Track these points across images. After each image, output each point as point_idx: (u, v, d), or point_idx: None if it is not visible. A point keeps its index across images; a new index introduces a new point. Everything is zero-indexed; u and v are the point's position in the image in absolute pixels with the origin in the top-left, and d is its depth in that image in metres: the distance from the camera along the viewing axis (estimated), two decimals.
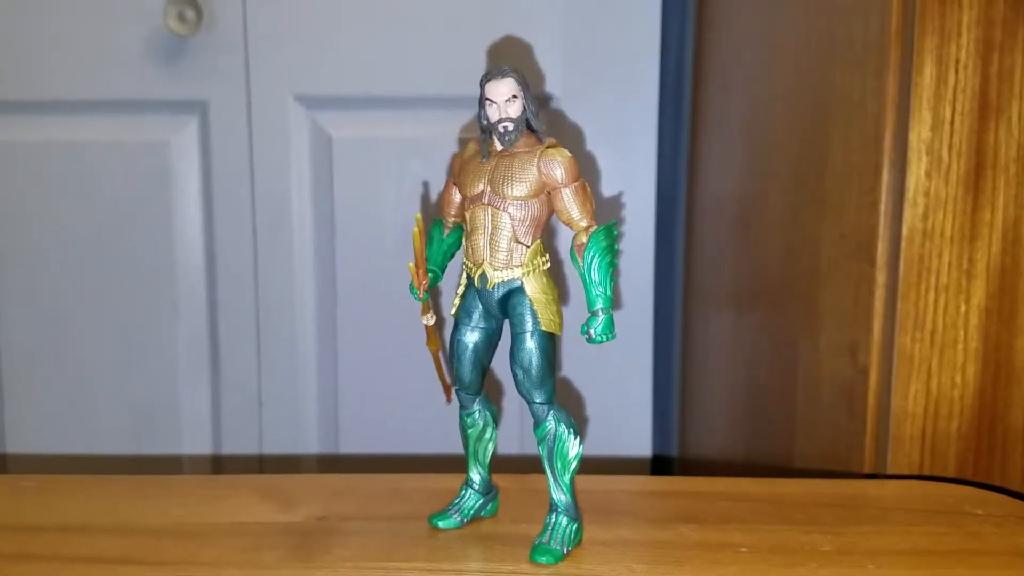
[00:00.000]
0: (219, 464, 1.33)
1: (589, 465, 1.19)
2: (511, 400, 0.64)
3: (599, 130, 1.26)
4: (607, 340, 0.62)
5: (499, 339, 0.67)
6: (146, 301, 1.29)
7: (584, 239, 0.62)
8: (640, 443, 1.32)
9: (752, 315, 1.09)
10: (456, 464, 0.72)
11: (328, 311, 1.29)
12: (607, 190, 1.26)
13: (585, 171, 1.24)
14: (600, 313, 0.62)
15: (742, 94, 1.14)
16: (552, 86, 1.24)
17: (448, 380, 0.70)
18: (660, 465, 1.41)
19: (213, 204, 1.27)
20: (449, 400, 0.70)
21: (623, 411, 1.31)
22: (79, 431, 1.31)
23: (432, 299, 0.68)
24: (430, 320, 0.68)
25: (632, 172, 1.26)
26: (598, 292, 0.62)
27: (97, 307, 1.29)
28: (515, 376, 0.64)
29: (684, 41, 1.36)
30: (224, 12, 1.23)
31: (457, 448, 0.70)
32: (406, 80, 1.25)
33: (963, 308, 0.79)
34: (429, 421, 1.09)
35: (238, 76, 1.25)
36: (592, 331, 0.62)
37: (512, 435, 1.20)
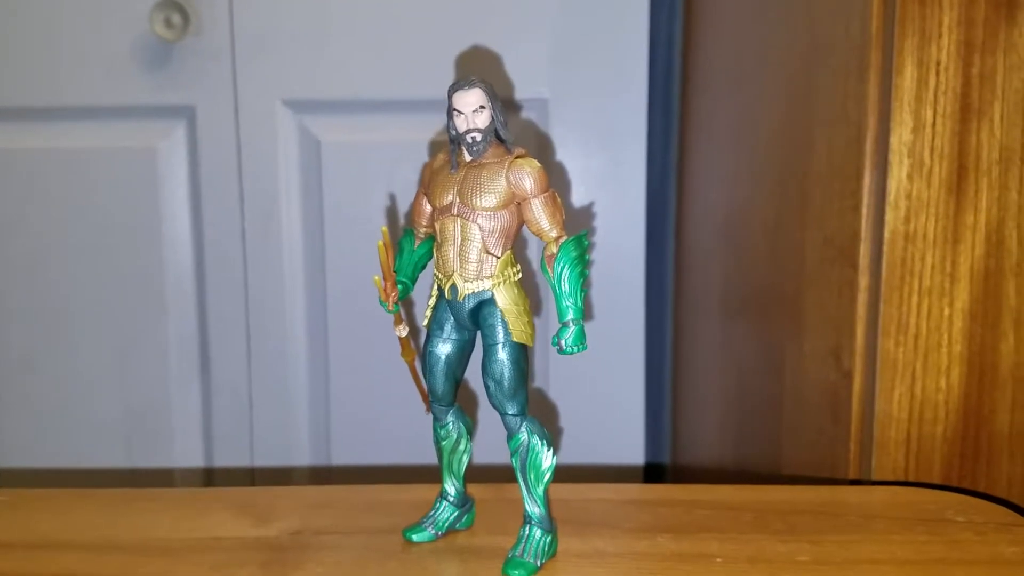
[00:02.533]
0: (211, 476, 1.33)
1: (581, 474, 1.18)
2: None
3: (588, 135, 1.25)
4: (578, 351, 0.62)
5: (472, 350, 0.66)
6: (136, 306, 1.29)
7: (554, 250, 0.62)
8: (632, 451, 1.31)
9: (741, 321, 1.09)
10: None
11: (318, 315, 1.29)
12: (596, 195, 1.25)
13: (572, 177, 1.24)
14: (571, 324, 0.61)
15: (729, 98, 1.13)
16: (540, 90, 1.24)
17: (426, 389, 0.69)
18: (653, 473, 1.41)
19: (202, 209, 1.27)
20: (428, 410, 0.70)
21: (615, 419, 1.30)
22: (71, 436, 1.31)
23: (406, 309, 0.68)
24: (403, 331, 0.68)
25: (622, 177, 1.26)
26: (568, 303, 0.61)
27: (87, 313, 1.29)
28: (487, 388, 0.63)
29: (672, 45, 1.35)
30: (211, 17, 1.23)
31: None
32: (394, 83, 1.24)
33: (947, 311, 0.78)
34: (419, 424, 1.09)
35: (225, 81, 1.24)
36: (563, 342, 0.61)
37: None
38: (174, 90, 1.25)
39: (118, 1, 1.23)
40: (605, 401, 1.29)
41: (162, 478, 1.32)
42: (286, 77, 1.25)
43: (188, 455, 1.33)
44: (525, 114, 1.25)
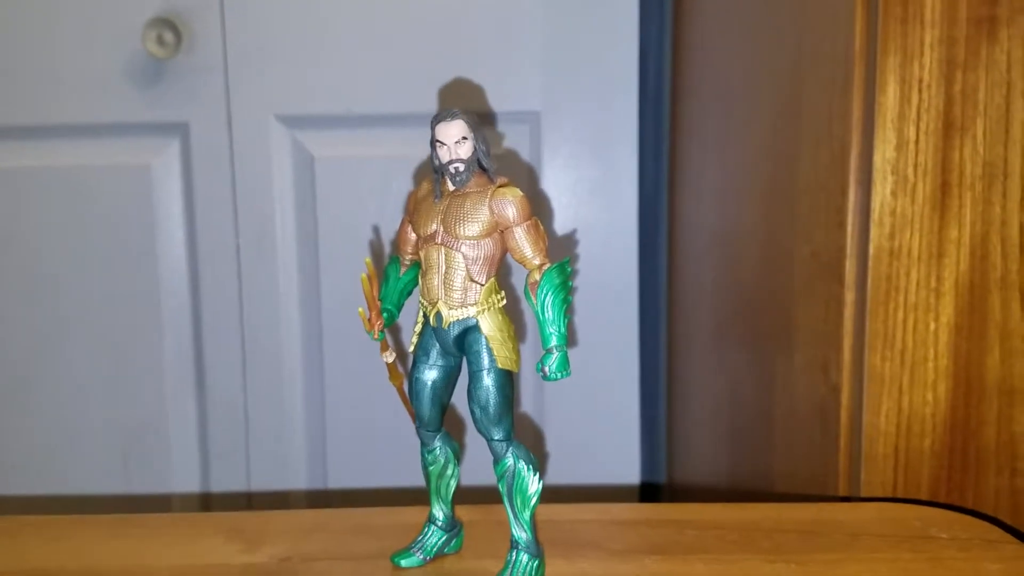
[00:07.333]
0: (208, 501, 1.33)
1: (578, 494, 1.18)
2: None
3: (580, 147, 1.26)
4: (562, 377, 0.62)
5: (458, 376, 0.67)
6: (131, 323, 1.30)
7: (537, 277, 0.63)
8: (628, 470, 1.32)
9: (732, 337, 1.09)
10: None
11: (313, 330, 1.30)
12: (589, 206, 1.26)
13: (565, 189, 1.25)
14: (555, 351, 0.62)
15: (719, 110, 1.14)
16: (532, 103, 1.24)
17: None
18: (649, 492, 1.41)
19: (196, 226, 1.28)
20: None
21: (611, 439, 1.31)
22: (67, 455, 1.32)
23: (393, 334, 0.68)
24: (389, 358, 0.68)
25: (614, 188, 1.26)
26: (552, 330, 0.62)
27: (81, 330, 1.29)
28: (473, 414, 0.64)
29: (662, 56, 1.35)
30: (203, 34, 1.23)
31: None
32: (387, 98, 1.25)
33: (932, 326, 0.78)
34: (415, 443, 1.09)
35: (218, 97, 1.25)
36: (547, 368, 0.62)
37: None
38: (167, 107, 1.26)
39: (110, 19, 1.24)
40: (601, 421, 1.29)
41: (160, 504, 1.33)
42: (279, 93, 1.25)
43: (185, 473, 1.33)
44: (517, 127, 1.25)
